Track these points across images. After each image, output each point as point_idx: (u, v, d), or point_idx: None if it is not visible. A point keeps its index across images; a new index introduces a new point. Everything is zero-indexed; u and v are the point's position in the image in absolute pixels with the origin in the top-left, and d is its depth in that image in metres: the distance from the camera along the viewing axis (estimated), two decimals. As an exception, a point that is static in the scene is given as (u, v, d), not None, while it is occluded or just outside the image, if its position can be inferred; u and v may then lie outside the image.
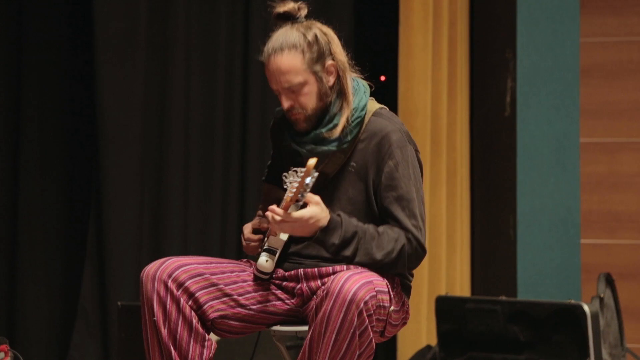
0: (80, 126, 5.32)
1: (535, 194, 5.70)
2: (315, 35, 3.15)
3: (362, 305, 2.93)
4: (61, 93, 5.30)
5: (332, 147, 3.16)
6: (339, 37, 3.22)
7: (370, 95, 3.26)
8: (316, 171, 2.99)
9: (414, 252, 3.13)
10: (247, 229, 3.28)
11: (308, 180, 2.99)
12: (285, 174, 3.04)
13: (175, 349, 3.10)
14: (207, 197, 5.36)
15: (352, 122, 3.16)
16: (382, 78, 5.84)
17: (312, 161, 2.97)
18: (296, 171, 3.01)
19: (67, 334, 5.24)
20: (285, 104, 3.16)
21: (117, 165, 5.18)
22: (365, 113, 3.18)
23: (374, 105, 3.23)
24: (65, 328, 5.26)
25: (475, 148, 5.83)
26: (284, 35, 3.15)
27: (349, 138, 3.16)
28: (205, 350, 3.13)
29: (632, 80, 5.71)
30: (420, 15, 5.59)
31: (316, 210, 3.06)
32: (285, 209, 3.03)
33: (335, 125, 3.15)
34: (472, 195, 5.83)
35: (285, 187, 3.03)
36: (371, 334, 2.99)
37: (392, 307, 3.10)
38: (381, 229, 3.12)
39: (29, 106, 5.22)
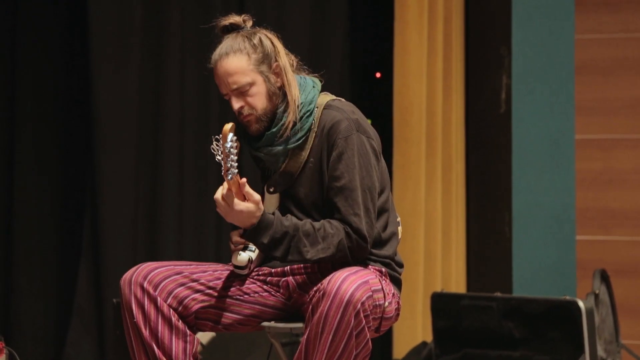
0: (76, 124, 5.32)
1: (530, 191, 5.69)
2: (260, 39, 3.21)
3: (359, 306, 2.95)
4: (56, 91, 5.30)
5: (290, 144, 3.18)
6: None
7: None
8: (234, 135, 2.99)
9: (355, 244, 3.13)
10: (235, 233, 3.28)
11: (227, 145, 2.99)
12: (212, 146, 3.04)
13: (158, 347, 3.13)
14: (202, 196, 5.36)
15: (302, 116, 3.18)
16: (378, 75, 5.84)
17: (227, 126, 2.99)
18: (218, 140, 3.01)
19: (62, 332, 5.24)
20: (236, 105, 3.20)
21: (112, 163, 5.18)
22: (315, 107, 3.21)
23: (325, 98, 3.25)
24: (60, 325, 5.27)
25: (471, 145, 5.83)
26: (229, 42, 3.21)
27: (301, 134, 3.18)
28: (188, 346, 3.16)
29: (627, 77, 5.71)
30: (415, 11, 5.58)
31: (251, 207, 3.08)
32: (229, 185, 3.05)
33: (283, 124, 3.17)
34: (467, 192, 5.83)
35: (217, 160, 3.04)
36: (368, 335, 3.01)
37: (386, 303, 3.11)
38: (318, 224, 3.13)
39: (24, 105, 5.22)
